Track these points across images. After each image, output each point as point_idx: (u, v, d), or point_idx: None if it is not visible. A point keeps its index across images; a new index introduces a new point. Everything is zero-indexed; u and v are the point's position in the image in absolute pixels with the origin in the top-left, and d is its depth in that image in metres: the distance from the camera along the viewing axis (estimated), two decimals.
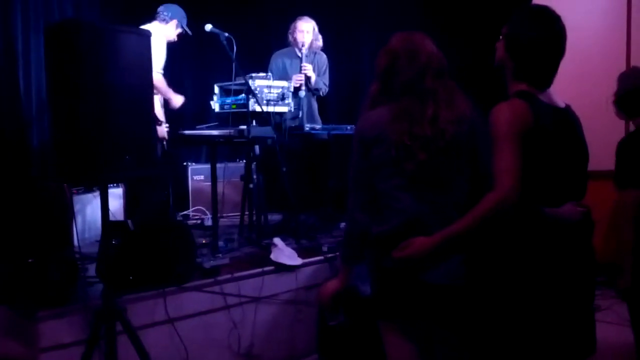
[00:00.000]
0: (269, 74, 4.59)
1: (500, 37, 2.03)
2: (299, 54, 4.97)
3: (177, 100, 4.75)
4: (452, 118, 1.96)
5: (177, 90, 4.83)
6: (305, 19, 5.01)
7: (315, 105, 5.11)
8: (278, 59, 5.06)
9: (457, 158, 1.98)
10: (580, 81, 4.50)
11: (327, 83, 5.12)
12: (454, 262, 1.94)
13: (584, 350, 2.01)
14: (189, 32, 4.75)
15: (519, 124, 1.86)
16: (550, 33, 1.94)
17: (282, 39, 5.20)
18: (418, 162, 1.93)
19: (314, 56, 5.03)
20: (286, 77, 4.85)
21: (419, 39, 2.06)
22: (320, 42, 5.06)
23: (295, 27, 5.00)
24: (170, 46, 4.70)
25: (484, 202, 1.83)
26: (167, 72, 4.73)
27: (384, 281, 2.00)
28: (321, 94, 5.09)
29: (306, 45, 4.94)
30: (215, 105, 4.49)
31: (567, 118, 2.01)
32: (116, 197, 4.51)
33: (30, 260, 2.94)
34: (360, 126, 2.07)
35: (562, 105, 2.03)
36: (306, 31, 4.96)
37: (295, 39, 4.99)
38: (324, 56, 5.12)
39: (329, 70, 5.15)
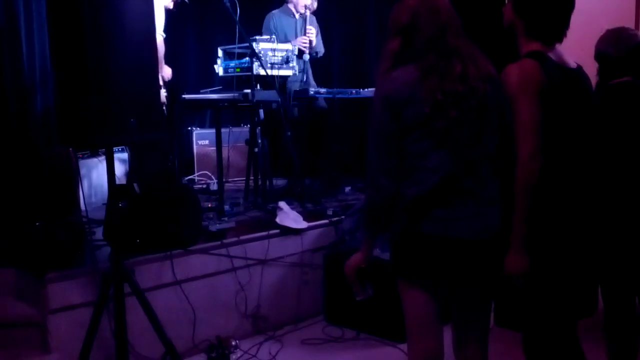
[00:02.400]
0: (273, 36, 4.53)
1: (507, 0, 2.03)
2: (295, 15, 4.91)
3: (166, 71, 4.50)
4: (480, 75, 1.90)
5: (180, 54, 4.74)
6: None
7: (310, 69, 5.08)
8: (275, 18, 4.97)
9: (487, 115, 1.92)
10: (588, 41, 4.44)
11: (322, 45, 5.11)
12: (481, 218, 1.91)
13: (587, 309, 2.06)
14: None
15: (532, 83, 1.87)
16: None
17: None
18: (449, 119, 1.86)
19: (307, 18, 4.96)
20: (283, 37, 4.80)
21: None
22: (315, 5, 5.01)
23: None
24: (172, 9, 4.61)
25: (517, 181, 1.87)
26: (169, 35, 4.66)
27: (417, 245, 1.92)
28: (319, 55, 5.08)
29: (311, 9, 4.89)
30: (219, 68, 4.46)
31: (578, 78, 2.01)
32: (121, 161, 4.51)
33: (37, 224, 2.97)
34: (387, 88, 1.91)
35: (574, 65, 2.03)
36: None
37: (296, 3, 4.92)
38: (314, 18, 5.07)
39: (332, 34, 5.13)
